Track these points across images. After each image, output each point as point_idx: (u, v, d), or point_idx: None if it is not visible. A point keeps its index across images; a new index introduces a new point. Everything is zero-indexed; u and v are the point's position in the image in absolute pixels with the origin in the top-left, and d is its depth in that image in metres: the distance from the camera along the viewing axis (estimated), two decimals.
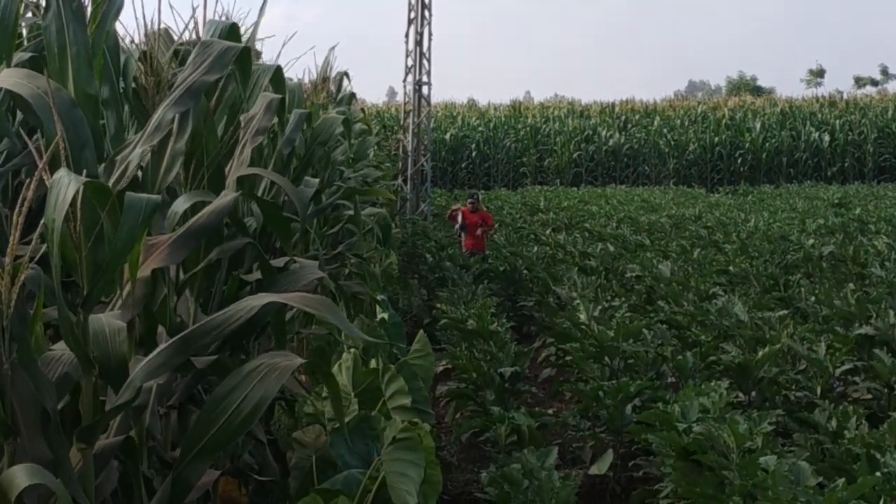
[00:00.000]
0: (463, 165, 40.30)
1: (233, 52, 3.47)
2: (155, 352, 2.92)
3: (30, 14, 4.01)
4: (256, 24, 4.71)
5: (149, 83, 3.63)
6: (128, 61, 3.73)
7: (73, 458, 2.81)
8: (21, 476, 2.32)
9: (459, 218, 17.36)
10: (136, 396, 2.87)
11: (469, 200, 17.60)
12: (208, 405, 2.95)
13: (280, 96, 4.32)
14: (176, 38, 4.09)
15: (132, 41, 3.88)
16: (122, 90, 3.62)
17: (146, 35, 3.75)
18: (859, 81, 66.21)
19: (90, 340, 2.84)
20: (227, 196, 3.55)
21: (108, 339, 2.89)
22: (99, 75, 3.24)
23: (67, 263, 2.79)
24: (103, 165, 3.08)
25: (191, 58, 3.45)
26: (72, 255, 2.77)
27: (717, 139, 40.27)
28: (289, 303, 3.05)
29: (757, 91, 62.15)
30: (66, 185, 2.46)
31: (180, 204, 3.44)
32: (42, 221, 2.50)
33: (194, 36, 4.06)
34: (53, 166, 2.66)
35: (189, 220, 3.47)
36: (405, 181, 22.91)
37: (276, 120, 4.56)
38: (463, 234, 17.27)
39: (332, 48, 8.76)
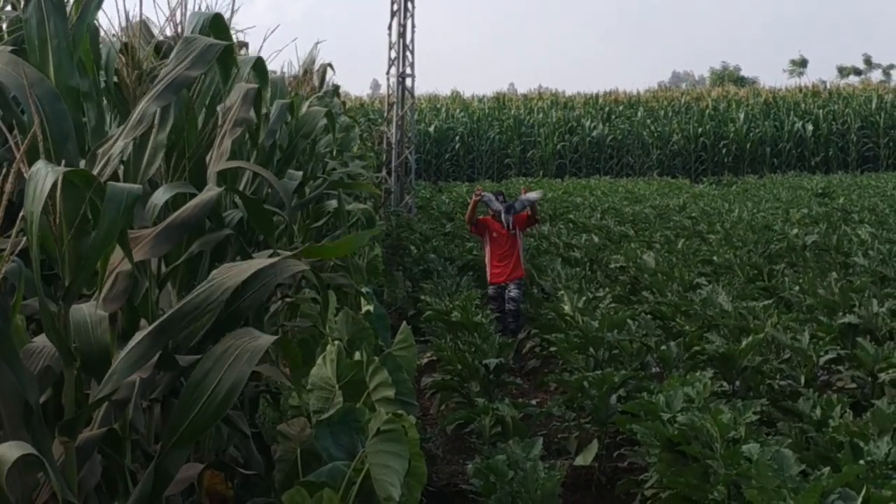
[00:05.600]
0: (447, 157, 40.19)
1: (216, 49, 3.44)
2: (133, 341, 2.89)
3: (9, 7, 3.97)
4: (231, 14, 4.68)
5: (130, 76, 3.61)
6: (109, 54, 3.71)
7: (56, 452, 2.80)
8: (10, 451, 2.31)
9: (488, 246, 11.32)
10: (118, 388, 2.86)
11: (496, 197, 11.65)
12: (185, 393, 2.94)
13: (256, 86, 4.29)
14: (156, 30, 4.06)
15: (115, 35, 3.85)
16: (103, 83, 3.60)
17: (125, 28, 3.73)
18: (842, 71, 66.30)
19: (71, 332, 2.83)
20: (212, 190, 3.54)
21: (89, 329, 2.87)
22: (83, 68, 3.22)
23: (49, 256, 2.78)
24: (85, 159, 3.07)
25: (174, 53, 3.42)
26: (53, 247, 2.75)
27: (700, 130, 40.26)
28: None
29: (740, 81, 62.11)
30: (43, 177, 2.44)
31: (160, 195, 3.42)
32: (21, 214, 2.49)
33: (173, 27, 4.03)
34: (34, 160, 2.63)
35: (168, 211, 3.46)
36: (389, 173, 22.87)
37: (262, 111, 4.54)
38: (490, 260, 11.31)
39: (317, 43, 8.77)
